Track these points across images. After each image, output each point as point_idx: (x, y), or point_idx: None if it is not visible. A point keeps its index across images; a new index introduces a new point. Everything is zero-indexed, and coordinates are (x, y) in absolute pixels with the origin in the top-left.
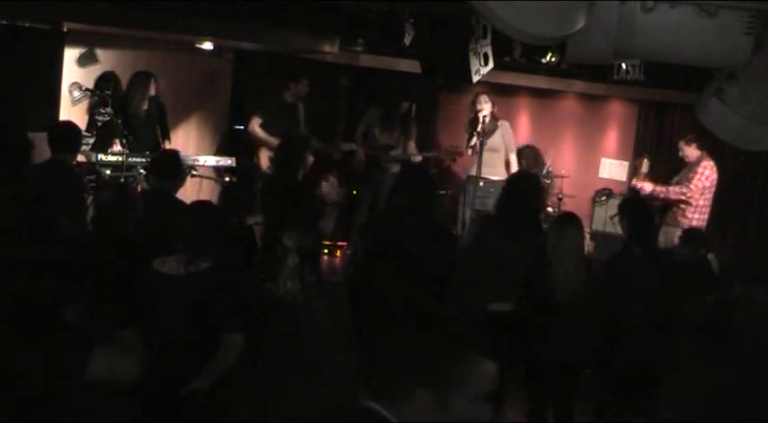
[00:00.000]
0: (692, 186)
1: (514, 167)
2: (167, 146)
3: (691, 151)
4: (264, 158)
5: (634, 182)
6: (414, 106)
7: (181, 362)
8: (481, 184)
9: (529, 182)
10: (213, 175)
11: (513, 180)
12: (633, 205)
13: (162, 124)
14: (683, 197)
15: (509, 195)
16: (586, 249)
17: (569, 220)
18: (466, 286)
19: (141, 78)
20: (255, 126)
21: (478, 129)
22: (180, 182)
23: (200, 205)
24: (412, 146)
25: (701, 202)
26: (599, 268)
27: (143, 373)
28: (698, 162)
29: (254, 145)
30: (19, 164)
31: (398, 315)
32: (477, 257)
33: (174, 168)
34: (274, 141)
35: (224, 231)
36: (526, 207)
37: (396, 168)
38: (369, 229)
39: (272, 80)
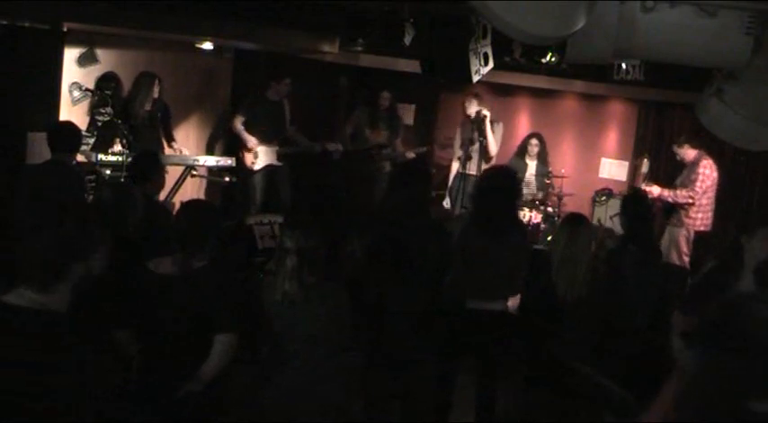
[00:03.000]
0: (697, 189)
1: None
2: (175, 146)
3: (686, 152)
4: (248, 156)
5: (643, 186)
6: (397, 103)
7: (176, 362)
8: (472, 181)
9: (505, 175)
10: (213, 176)
11: (487, 175)
12: (634, 203)
13: (165, 126)
14: (690, 200)
15: (485, 191)
16: None
17: (580, 221)
18: (455, 285)
19: (146, 79)
20: (237, 124)
21: (472, 130)
22: (154, 184)
23: (194, 204)
24: (399, 143)
25: (703, 201)
26: (603, 267)
27: (138, 373)
28: (697, 162)
29: (234, 142)
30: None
31: (396, 314)
32: (461, 255)
33: (150, 170)
34: (252, 140)
35: (218, 230)
36: (502, 202)
37: (388, 167)
38: (366, 228)
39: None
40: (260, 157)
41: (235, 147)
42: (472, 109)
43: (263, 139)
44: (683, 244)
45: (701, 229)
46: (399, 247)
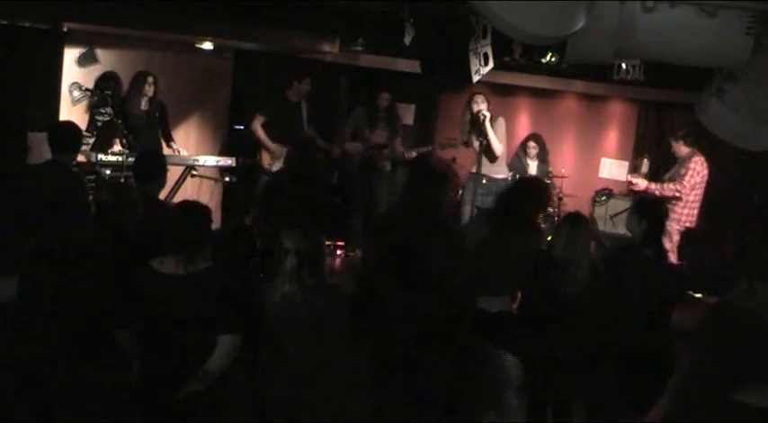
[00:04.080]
0: (684, 183)
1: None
2: (174, 146)
3: (681, 148)
4: (266, 157)
5: (628, 177)
6: (396, 103)
7: (178, 362)
8: (484, 181)
9: (532, 183)
10: (213, 175)
11: (517, 182)
12: (653, 206)
13: (163, 126)
14: (677, 194)
15: (508, 195)
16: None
17: (580, 221)
18: (465, 286)
19: (138, 78)
20: (257, 125)
21: (477, 129)
22: (159, 184)
23: (185, 206)
24: (398, 143)
25: (690, 198)
26: (602, 267)
27: (140, 373)
28: (689, 158)
29: (255, 143)
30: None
31: (405, 316)
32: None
33: (153, 170)
34: (271, 144)
35: (210, 231)
36: (521, 207)
37: (388, 167)
38: (379, 232)
39: (273, 79)
40: (278, 158)
41: (234, 147)
42: (482, 107)
43: (282, 141)
44: (665, 240)
45: (687, 225)
46: (407, 249)
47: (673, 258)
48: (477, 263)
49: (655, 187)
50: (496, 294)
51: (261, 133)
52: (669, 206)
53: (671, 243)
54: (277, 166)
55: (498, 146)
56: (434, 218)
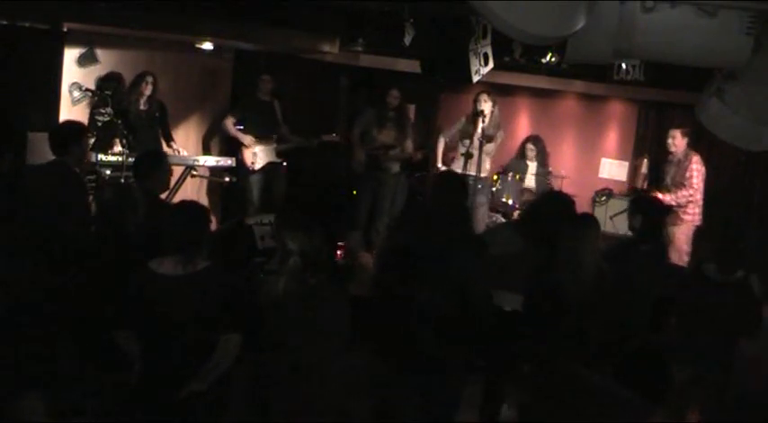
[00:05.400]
0: (695, 187)
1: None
2: (174, 146)
3: (681, 142)
4: (247, 155)
5: (653, 193)
6: (406, 104)
7: (179, 362)
8: (471, 182)
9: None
10: (213, 176)
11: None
12: (648, 202)
13: (163, 126)
14: (690, 200)
15: (543, 211)
16: None
17: (587, 223)
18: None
19: (136, 78)
20: (228, 124)
21: (478, 129)
22: (155, 182)
23: (189, 205)
24: (409, 144)
25: (697, 197)
26: (606, 267)
27: (141, 373)
28: (687, 157)
29: (233, 142)
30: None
31: (430, 320)
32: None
33: (151, 168)
34: (245, 137)
35: (209, 231)
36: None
37: (396, 168)
38: (399, 234)
39: (273, 79)
40: (259, 155)
41: (234, 147)
42: (484, 107)
43: (259, 139)
44: (684, 242)
45: (697, 223)
46: (432, 253)
47: (685, 260)
48: (504, 268)
49: (671, 198)
50: (513, 291)
51: (232, 129)
52: (681, 210)
53: (688, 246)
54: (259, 164)
55: (491, 148)
56: (462, 223)
